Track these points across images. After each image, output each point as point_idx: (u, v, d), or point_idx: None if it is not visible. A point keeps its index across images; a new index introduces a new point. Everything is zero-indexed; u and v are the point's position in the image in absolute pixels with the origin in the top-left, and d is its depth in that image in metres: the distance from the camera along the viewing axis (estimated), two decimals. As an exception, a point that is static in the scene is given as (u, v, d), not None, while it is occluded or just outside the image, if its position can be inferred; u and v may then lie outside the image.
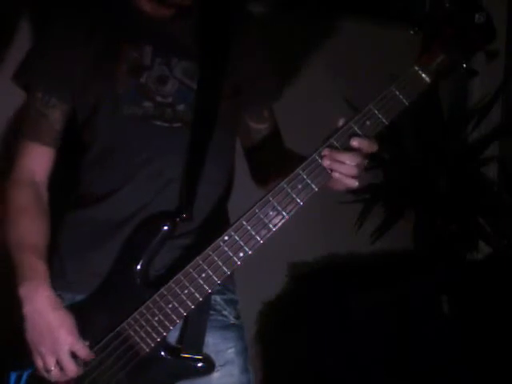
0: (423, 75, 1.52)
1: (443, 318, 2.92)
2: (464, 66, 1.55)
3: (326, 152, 1.52)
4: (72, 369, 1.58)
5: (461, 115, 3.40)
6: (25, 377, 1.62)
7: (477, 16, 1.51)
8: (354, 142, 1.51)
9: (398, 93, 1.52)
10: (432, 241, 3.25)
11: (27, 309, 1.58)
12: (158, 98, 1.68)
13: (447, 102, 3.38)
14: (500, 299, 2.84)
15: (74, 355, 1.59)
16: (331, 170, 1.52)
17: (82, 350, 1.59)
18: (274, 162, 1.78)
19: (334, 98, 3.02)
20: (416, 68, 1.52)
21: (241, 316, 1.80)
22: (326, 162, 1.52)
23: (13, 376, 1.62)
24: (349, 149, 1.52)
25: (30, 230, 1.64)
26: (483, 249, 3.27)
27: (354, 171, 1.52)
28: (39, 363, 1.59)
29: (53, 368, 1.58)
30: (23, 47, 1.86)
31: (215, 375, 1.67)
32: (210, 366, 1.65)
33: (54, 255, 1.73)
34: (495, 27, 1.53)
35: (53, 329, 1.57)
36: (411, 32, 1.54)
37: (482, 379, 2.73)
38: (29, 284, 1.58)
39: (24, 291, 1.58)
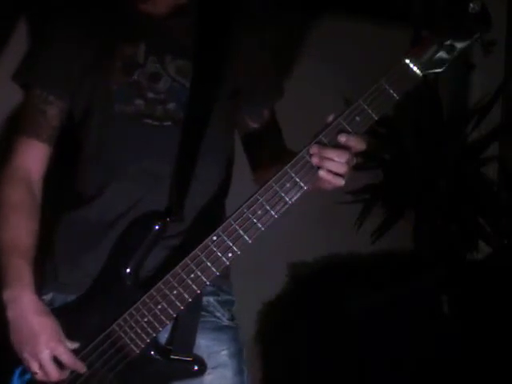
0: (414, 68, 1.48)
1: (443, 318, 2.92)
2: (458, 57, 1.50)
3: (314, 149, 1.49)
4: (54, 373, 1.58)
5: (461, 115, 3.39)
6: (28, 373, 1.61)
7: (471, 5, 1.46)
8: (342, 138, 1.48)
9: (387, 87, 1.47)
10: (432, 241, 3.24)
11: (10, 313, 1.57)
12: (150, 95, 1.68)
13: (447, 102, 3.38)
14: (500, 299, 2.84)
15: (57, 360, 1.58)
16: (319, 167, 1.50)
17: (65, 356, 1.58)
18: (274, 162, 1.77)
19: (334, 98, 3.01)
20: (407, 61, 1.47)
21: (236, 317, 1.78)
22: (314, 159, 1.49)
23: (17, 372, 1.62)
24: (338, 146, 1.49)
25: (21, 229, 1.63)
26: (483, 249, 3.26)
27: (342, 169, 1.49)
28: (26, 366, 1.59)
29: (37, 371, 1.58)
30: (22, 47, 1.86)
31: (207, 378, 1.65)
32: (200, 368, 1.63)
33: (47, 256, 1.73)
34: (491, 16, 1.47)
35: (34, 334, 1.56)
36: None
37: (482, 379, 2.73)
38: (13, 288, 1.58)
39: (8, 295, 1.57)
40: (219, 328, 1.74)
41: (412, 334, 2.82)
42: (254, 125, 1.84)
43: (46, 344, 1.56)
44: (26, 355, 1.58)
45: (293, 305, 3.10)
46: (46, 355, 1.57)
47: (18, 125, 1.73)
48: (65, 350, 1.58)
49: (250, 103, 1.81)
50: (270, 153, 1.82)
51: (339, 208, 2.96)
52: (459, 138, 3.33)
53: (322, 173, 1.50)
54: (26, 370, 1.60)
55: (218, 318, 1.74)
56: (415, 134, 3.29)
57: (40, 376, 1.59)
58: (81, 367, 1.60)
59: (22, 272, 1.60)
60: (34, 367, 1.58)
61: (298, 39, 3.05)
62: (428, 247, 3.24)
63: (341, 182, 1.51)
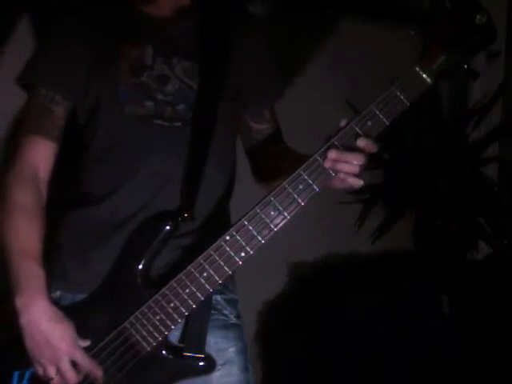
0: (424, 76, 1.53)
1: (443, 318, 2.92)
2: (465, 66, 1.55)
3: (329, 153, 1.52)
4: (72, 378, 1.58)
5: (461, 115, 3.40)
6: (27, 375, 1.62)
7: (478, 17, 1.51)
8: (360, 142, 1.52)
9: (398, 93, 1.52)
10: (432, 241, 3.25)
11: (24, 320, 1.56)
12: (159, 96, 1.69)
13: (447, 102, 3.38)
14: (500, 299, 2.84)
15: (74, 364, 1.59)
16: (335, 171, 1.53)
17: (83, 360, 1.59)
18: (275, 162, 1.78)
19: (334, 98, 3.02)
20: (417, 69, 1.53)
21: (241, 315, 1.81)
22: (330, 163, 1.52)
23: (16, 374, 1.62)
24: (351, 149, 1.52)
25: (30, 231, 1.62)
26: (483, 249, 3.27)
27: (357, 170, 1.53)
28: (40, 371, 1.59)
29: (54, 376, 1.58)
30: (24, 48, 1.86)
31: (216, 374, 1.67)
32: (211, 365, 1.65)
33: (55, 255, 1.73)
34: (496, 28, 1.53)
35: (51, 341, 1.56)
36: (411, 33, 1.54)
37: (482, 379, 2.73)
38: (25, 294, 1.57)
39: (20, 302, 1.56)
40: (227, 326, 1.76)
41: (412, 333, 2.82)
42: (256, 126, 1.85)
43: (64, 350, 1.57)
44: (43, 361, 1.57)
45: (293, 305, 3.11)
46: (65, 362, 1.57)
47: (24, 124, 1.72)
48: (82, 354, 1.59)
49: (252, 103, 1.82)
50: (272, 153, 1.83)
51: (339, 208, 2.97)
52: (459, 138, 3.33)
53: (340, 175, 1.52)
54: (40, 375, 1.60)
55: (226, 315, 1.76)
56: (415, 133, 3.30)
57: (56, 381, 1.59)
58: (97, 369, 1.60)
59: (33, 277, 1.59)
60: (51, 373, 1.58)
61: (298, 40, 3.05)
62: (428, 247, 3.24)
63: (359, 181, 1.55)
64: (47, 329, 1.56)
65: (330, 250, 3.22)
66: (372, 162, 3.29)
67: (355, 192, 3.10)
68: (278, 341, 3.11)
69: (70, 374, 1.58)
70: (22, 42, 2.32)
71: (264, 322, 3.13)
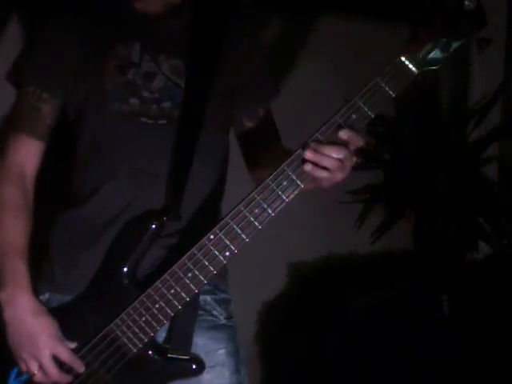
0: (410, 66, 1.49)
1: (443, 318, 2.92)
2: (452, 50, 1.51)
3: (310, 146, 1.49)
4: (54, 373, 1.58)
5: (461, 115, 3.39)
6: (25, 373, 1.61)
7: (466, 2, 1.47)
8: (342, 134, 1.48)
9: (383, 85, 1.48)
10: (432, 241, 3.25)
11: (8, 314, 1.58)
12: (145, 93, 1.68)
13: (447, 102, 3.38)
14: (500, 299, 2.84)
15: (57, 359, 1.58)
16: (315, 164, 1.49)
17: (64, 354, 1.58)
18: (270, 161, 1.76)
19: (334, 98, 3.01)
20: (403, 58, 1.49)
21: (233, 316, 1.78)
22: (310, 155, 1.48)
23: (13, 372, 1.61)
24: (335, 143, 1.49)
25: (16, 228, 1.63)
26: (483, 249, 3.27)
27: (338, 165, 1.49)
28: (23, 367, 1.59)
29: (36, 372, 1.58)
30: (16, 46, 1.85)
31: (206, 377, 1.65)
32: (199, 367, 1.63)
33: (43, 256, 1.73)
34: (486, 14, 1.49)
35: (33, 334, 1.57)
36: (397, 23, 1.51)
37: (482, 379, 2.73)
38: (9, 289, 1.58)
39: (5, 297, 1.58)
40: (216, 327, 1.73)
41: (412, 333, 2.82)
42: (250, 124, 1.83)
43: (45, 343, 1.57)
44: (24, 356, 1.58)
45: (293, 305, 3.11)
46: (46, 355, 1.57)
47: (12, 122, 1.72)
48: (64, 348, 1.59)
49: (245, 102, 1.80)
50: (267, 152, 1.81)
51: (339, 208, 2.97)
52: (459, 138, 3.33)
53: (318, 169, 1.49)
54: (23, 371, 1.60)
55: (215, 316, 1.74)
56: (415, 133, 3.29)
57: (39, 377, 1.59)
58: (80, 366, 1.60)
59: (17, 272, 1.60)
60: (33, 368, 1.58)
61: (297, 39, 3.05)
62: (428, 247, 3.24)
63: (337, 176, 1.51)
64: (30, 322, 1.57)
65: (329, 249, 3.22)
66: (372, 162, 3.31)
67: (355, 192, 3.12)
68: (278, 341, 3.11)
69: (52, 370, 1.57)
70: (15, 39, 2.32)
71: (264, 322, 3.13)
